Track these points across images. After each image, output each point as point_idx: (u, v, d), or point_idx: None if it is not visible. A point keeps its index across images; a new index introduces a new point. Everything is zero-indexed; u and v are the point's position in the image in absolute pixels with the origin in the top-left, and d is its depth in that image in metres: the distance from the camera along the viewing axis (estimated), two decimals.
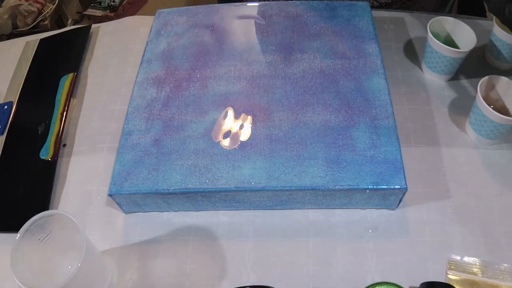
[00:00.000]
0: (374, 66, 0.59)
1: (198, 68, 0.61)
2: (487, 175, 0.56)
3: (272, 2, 0.68)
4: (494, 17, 0.63)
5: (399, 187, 0.49)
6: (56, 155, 0.60)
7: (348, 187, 0.50)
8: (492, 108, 0.56)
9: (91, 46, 0.74)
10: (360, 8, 0.66)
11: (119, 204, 0.54)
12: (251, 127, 0.55)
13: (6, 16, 1.26)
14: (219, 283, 0.50)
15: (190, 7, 0.69)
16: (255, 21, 0.66)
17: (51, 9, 1.44)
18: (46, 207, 0.56)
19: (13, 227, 0.47)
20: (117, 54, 0.72)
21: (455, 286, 0.47)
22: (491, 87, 0.59)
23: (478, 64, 0.67)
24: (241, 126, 0.55)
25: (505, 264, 0.49)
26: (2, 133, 0.64)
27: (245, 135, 0.54)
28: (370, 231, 0.53)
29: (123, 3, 1.61)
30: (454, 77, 0.66)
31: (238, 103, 0.57)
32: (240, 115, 0.56)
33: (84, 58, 0.72)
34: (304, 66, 0.60)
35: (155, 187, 0.51)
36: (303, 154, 0.52)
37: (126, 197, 0.52)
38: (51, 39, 0.75)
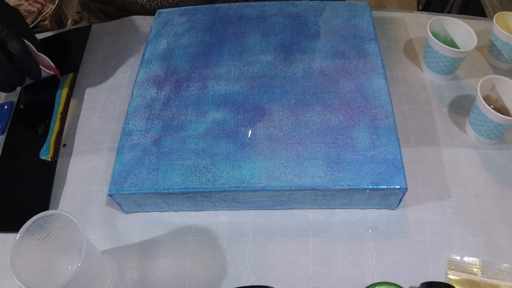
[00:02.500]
0: (374, 66, 0.59)
1: (198, 68, 0.61)
2: (487, 175, 0.56)
3: (272, 2, 0.68)
4: (494, 17, 0.64)
5: (399, 187, 0.49)
6: (56, 155, 0.60)
7: (348, 187, 0.50)
8: (492, 108, 0.56)
9: (91, 46, 0.74)
10: (360, 8, 0.66)
11: (119, 204, 0.54)
12: (251, 127, 0.55)
13: None
14: (219, 283, 0.50)
15: (190, 7, 0.69)
16: (255, 21, 0.66)
17: (51, 9, 1.44)
18: (46, 207, 0.56)
19: (13, 227, 0.47)
20: (117, 54, 0.72)
21: (455, 286, 0.47)
22: (491, 87, 0.59)
23: (478, 64, 0.67)
24: (241, 126, 0.55)
25: (505, 264, 0.49)
26: (2, 133, 0.64)
27: (245, 135, 0.54)
28: (370, 231, 0.53)
29: None
30: (454, 77, 0.66)
31: (238, 103, 0.57)
32: (240, 115, 0.56)
33: (84, 58, 0.72)
34: (304, 66, 0.60)
35: (155, 187, 0.51)
36: (303, 154, 0.52)
37: (126, 197, 0.52)
38: (51, 39, 0.75)
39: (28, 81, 0.62)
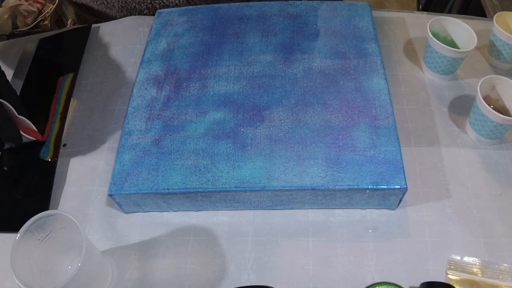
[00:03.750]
0: (374, 66, 0.59)
1: (198, 68, 0.61)
2: (487, 175, 0.56)
3: (272, 2, 0.68)
4: (494, 17, 0.64)
5: (399, 187, 0.49)
6: (56, 155, 0.60)
7: (348, 187, 0.50)
8: (492, 108, 0.56)
9: (91, 46, 0.74)
10: (360, 8, 0.66)
11: (119, 204, 0.54)
12: (251, 127, 0.55)
13: (6, 16, 1.26)
14: (219, 283, 0.50)
15: (190, 7, 0.69)
16: (255, 21, 0.66)
17: (51, 9, 1.44)
18: (46, 207, 0.56)
19: (13, 227, 0.47)
20: (117, 54, 0.72)
21: (455, 286, 0.47)
22: (491, 87, 0.59)
23: (478, 64, 0.67)
24: (241, 126, 0.55)
25: (505, 264, 0.49)
26: None
27: (245, 135, 0.54)
28: (370, 231, 0.53)
29: None
30: (454, 77, 0.66)
31: (238, 103, 0.57)
32: (240, 115, 0.56)
33: (84, 58, 0.72)
34: (304, 66, 0.60)
35: (155, 187, 0.51)
36: (303, 154, 0.52)
37: (126, 197, 0.52)
38: (51, 39, 0.75)
39: (8, 145, 0.57)
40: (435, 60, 0.63)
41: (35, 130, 0.59)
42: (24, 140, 0.58)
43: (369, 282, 0.49)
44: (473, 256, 0.50)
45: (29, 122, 0.58)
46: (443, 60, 0.62)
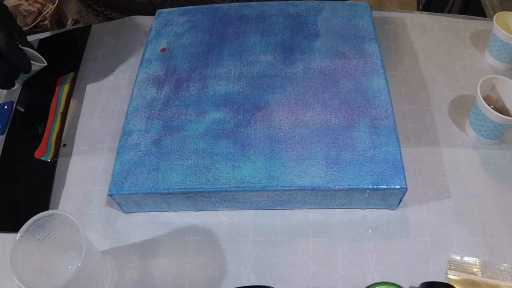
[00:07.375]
0: (374, 66, 0.59)
1: (198, 68, 0.61)
2: (487, 175, 0.56)
3: (272, 2, 0.68)
4: (494, 17, 0.64)
5: (399, 187, 0.49)
6: (56, 155, 0.60)
7: (348, 187, 0.50)
8: (492, 108, 0.56)
9: (91, 46, 0.74)
10: (360, 8, 0.66)
11: (119, 204, 0.54)
12: (251, 127, 0.55)
13: None
14: (219, 283, 0.50)
15: (190, 7, 0.69)
16: (255, 21, 0.66)
17: (51, 9, 1.44)
18: (46, 207, 0.56)
19: (13, 227, 0.48)
20: (117, 54, 0.72)
21: (455, 286, 0.47)
22: (491, 87, 0.59)
23: (478, 64, 0.67)
24: (241, 126, 0.55)
25: (505, 264, 0.49)
26: (2, 133, 0.64)
27: (245, 135, 0.54)
28: (370, 231, 0.53)
29: None
30: (454, 78, 0.66)
31: (238, 103, 0.57)
32: (240, 115, 0.56)
33: (84, 58, 0.72)
34: (304, 66, 0.60)
35: (155, 187, 0.51)
36: (303, 154, 0.52)
37: (126, 197, 0.52)
38: (51, 39, 0.75)
39: (23, 77, 0.62)
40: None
41: (41, 57, 0.63)
42: (33, 68, 0.61)
43: (369, 282, 0.49)
44: (473, 256, 0.50)
45: (35, 52, 0.61)
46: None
